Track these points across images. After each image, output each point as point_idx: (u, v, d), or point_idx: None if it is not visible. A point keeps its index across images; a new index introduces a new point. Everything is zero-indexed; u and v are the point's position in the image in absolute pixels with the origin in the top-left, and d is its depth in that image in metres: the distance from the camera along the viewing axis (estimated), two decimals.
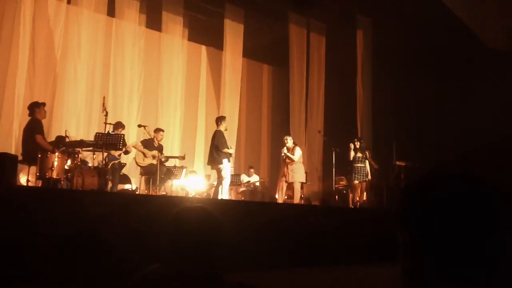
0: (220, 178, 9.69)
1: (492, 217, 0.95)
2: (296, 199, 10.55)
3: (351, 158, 11.29)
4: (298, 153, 10.76)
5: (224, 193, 9.64)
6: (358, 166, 11.34)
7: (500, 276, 0.94)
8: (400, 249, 1.04)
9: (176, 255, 1.85)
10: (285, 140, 10.78)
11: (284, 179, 10.73)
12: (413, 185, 1.05)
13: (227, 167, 9.67)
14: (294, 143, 10.97)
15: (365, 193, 11.53)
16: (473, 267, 0.94)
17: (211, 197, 9.94)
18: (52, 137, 9.27)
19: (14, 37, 10.11)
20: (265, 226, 7.19)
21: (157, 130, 10.40)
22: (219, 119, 10.06)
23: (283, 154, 10.73)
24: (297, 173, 10.69)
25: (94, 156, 9.28)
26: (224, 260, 1.90)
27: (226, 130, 10.00)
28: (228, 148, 9.75)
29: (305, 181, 11.28)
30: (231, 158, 10.06)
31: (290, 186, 10.71)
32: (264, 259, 6.73)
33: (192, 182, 11.45)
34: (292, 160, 10.62)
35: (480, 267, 0.94)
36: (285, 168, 10.73)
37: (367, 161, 11.44)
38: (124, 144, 9.34)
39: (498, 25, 11.42)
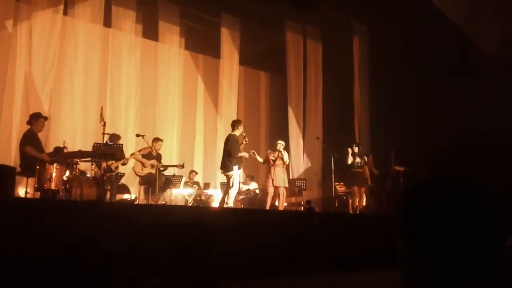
0: (228, 186, 9.43)
1: (489, 222, 0.95)
2: (282, 205, 10.19)
3: (349, 163, 11.27)
4: (287, 156, 10.48)
5: (230, 202, 9.38)
6: (357, 172, 11.33)
7: (497, 279, 0.94)
8: (398, 254, 1.03)
9: (173, 265, 1.86)
10: (280, 144, 10.37)
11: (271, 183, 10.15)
12: (411, 190, 1.05)
13: (236, 175, 9.41)
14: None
15: (364, 199, 11.51)
16: (470, 272, 0.93)
17: (218, 204, 9.67)
18: (50, 148, 9.26)
19: (11, 49, 10.13)
20: (263, 233, 7.17)
21: (156, 140, 10.37)
22: (235, 123, 9.78)
23: (278, 154, 10.21)
24: (285, 177, 10.31)
25: (93, 166, 9.27)
26: (221, 268, 1.90)
27: (240, 135, 9.64)
28: (241, 152, 9.49)
29: (287, 186, 10.62)
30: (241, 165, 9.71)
31: (276, 190, 10.16)
32: (262, 266, 6.71)
33: (191, 191, 11.44)
34: (284, 163, 10.30)
35: (477, 271, 0.93)
36: (273, 171, 10.14)
37: (366, 166, 11.45)
38: (123, 156, 9.35)
39: (491, 30, 11.46)
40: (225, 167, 9.41)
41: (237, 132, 9.58)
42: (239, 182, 10.39)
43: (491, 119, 11.04)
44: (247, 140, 9.75)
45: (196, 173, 12.30)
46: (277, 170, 10.17)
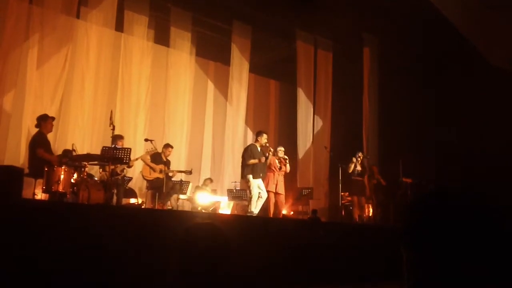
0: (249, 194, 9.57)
1: (496, 233, 0.95)
2: (281, 213, 10.13)
3: (350, 171, 11.12)
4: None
5: (251, 208, 9.37)
6: (355, 180, 11.17)
7: None
8: (404, 266, 1.03)
9: (185, 271, 1.86)
10: (282, 151, 10.27)
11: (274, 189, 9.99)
12: (417, 202, 1.05)
13: (253, 183, 9.43)
14: None
15: (366, 209, 11.39)
16: (477, 283, 0.93)
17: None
18: (59, 151, 9.29)
19: (23, 51, 10.18)
20: (267, 241, 7.15)
21: (166, 146, 10.43)
22: (256, 134, 10.04)
23: (281, 159, 10.10)
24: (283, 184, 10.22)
25: (101, 169, 9.27)
26: (232, 276, 1.90)
27: (262, 146, 9.70)
28: (254, 159, 9.47)
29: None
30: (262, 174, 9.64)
31: (278, 197, 10.03)
32: (271, 276, 6.69)
33: (198, 197, 11.40)
34: (286, 171, 10.20)
35: (484, 281, 0.93)
36: (272, 176, 10.00)
37: (366, 175, 11.33)
38: (129, 159, 9.36)
39: (502, 44, 11.43)
40: (241, 174, 9.76)
41: (257, 143, 9.72)
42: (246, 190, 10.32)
43: (502, 133, 10.98)
44: (271, 150, 9.80)
45: (211, 180, 12.20)
46: (280, 177, 10.12)
